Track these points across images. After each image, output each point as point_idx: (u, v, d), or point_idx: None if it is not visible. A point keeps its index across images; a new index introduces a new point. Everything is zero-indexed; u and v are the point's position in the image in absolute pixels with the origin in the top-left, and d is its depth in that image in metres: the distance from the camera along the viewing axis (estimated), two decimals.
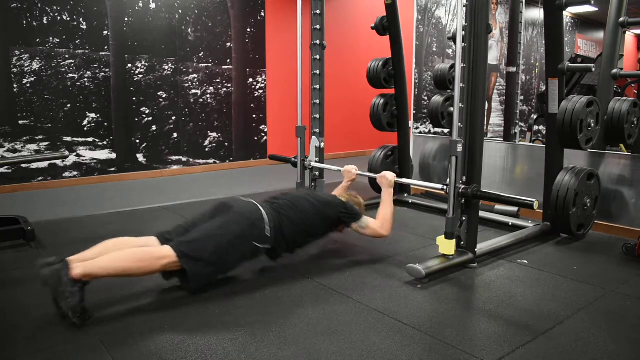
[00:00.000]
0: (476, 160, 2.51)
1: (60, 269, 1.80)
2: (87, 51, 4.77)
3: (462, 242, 2.54)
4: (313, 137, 3.61)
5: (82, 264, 1.84)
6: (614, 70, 3.72)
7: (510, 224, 3.31)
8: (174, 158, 5.47)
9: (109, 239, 2.06)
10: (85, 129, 4.83)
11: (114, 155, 5.03)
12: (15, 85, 4.42)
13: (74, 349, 1.70)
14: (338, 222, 2.58)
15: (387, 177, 2.77)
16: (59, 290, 1.78)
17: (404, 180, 3.24)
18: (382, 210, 2.65)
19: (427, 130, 5.90)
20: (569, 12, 8.48)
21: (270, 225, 2.25)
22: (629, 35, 9.90)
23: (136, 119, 5.15)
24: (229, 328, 1.86)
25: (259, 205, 2.29)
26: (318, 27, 3.51)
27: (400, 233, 3.21)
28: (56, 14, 4.58)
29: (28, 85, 4.49)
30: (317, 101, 3.58)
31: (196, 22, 5.48)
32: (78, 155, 4.81)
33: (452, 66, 3.96)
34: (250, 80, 6.03)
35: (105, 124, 4.95)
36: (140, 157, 5.22)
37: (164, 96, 5.32)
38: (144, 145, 5.23)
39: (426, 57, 6.24)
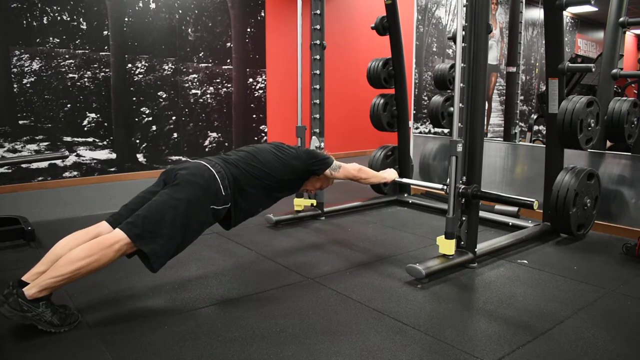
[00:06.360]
0: (476, 160, 2.51)
1: (17, 298, 1.71)
2: (87, 51, 4.77)
3: (462, 242, 2.54)
4: (313, 137, 3.61)
5: (35, 282, 1.75)
6: (614, 70, 3.72)
7: (510, 224, 3.31)
8: (174, 158, 5.47)
9: (58, 242, 1.87)
10: (85, 129, 4.83)
11: (114, 155, 5.03)
12: (15, 85, 4.42)
13: (74, 349, 1.70)
14: (308, 173, 2.38)
15: (390, 171, 2.80)
16: (28, 317, 1.73)
17: (404, 180, 3.24)
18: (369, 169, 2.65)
19: (427, 130, 5.90)
20: (569, 12, 8.48)
21: (225, 183, 2.02)
22: (629, 35, 9.90)
23: (136, 119, 5.15)
24: (229, 328, 1.86)
25: (207, 165, 2.04)
26: (318, 27, 3.51)
27: (400, 233, 3.22)
28: (56, 14, 4.58)
29: (28, 85, 4.49)
30: (317, 101, 3.58)
31: (196, 22, 5.48)
32: (78, 155, 4.81)
33: (452, 66, 3.96)
34: (250, 80, 6.03)
35: (105, 124, 4.95)
36: (140, 157, 5.21)
37: (164, 96, 5.32)
38: (144, 145, 5.23)
39: (426, 57, 6.24)
